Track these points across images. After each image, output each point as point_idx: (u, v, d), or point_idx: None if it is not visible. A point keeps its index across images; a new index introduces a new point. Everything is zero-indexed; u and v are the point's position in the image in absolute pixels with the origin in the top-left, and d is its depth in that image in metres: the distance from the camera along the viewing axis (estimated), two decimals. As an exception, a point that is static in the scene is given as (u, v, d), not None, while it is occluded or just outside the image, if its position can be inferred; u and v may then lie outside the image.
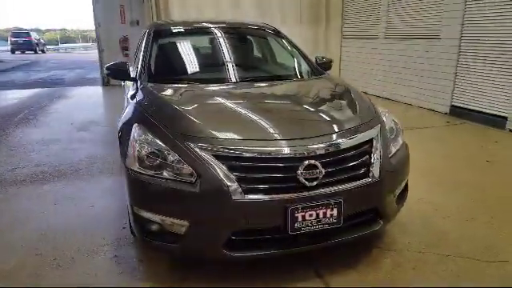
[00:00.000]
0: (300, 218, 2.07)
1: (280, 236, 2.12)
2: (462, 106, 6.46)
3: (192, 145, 2.12)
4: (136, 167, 2.20)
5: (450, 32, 6.48)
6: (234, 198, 2.01)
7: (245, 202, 2.02)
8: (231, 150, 2.08)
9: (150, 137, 2.25)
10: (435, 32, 6.84)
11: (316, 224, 2.11)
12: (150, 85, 2.96)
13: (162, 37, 3.65)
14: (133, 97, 2.99)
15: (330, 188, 2.13)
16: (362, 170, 2.25)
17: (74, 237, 2.82)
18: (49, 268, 2.46)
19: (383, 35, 8.32)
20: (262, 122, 2.32)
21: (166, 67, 3.39)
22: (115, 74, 3.28)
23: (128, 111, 2.78)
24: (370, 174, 2.25)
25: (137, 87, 3.04)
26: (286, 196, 2.05)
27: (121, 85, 5.38)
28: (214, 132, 2.20)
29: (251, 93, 2.98)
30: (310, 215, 2.08)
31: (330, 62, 3.81)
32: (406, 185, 2.70)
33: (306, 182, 2.08)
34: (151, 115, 2.44)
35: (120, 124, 2.72)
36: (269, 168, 2.09)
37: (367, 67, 8.84)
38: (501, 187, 3.67)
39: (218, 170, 2.04)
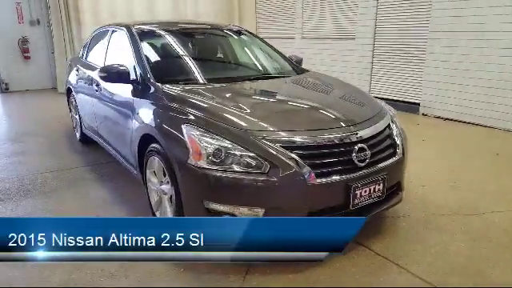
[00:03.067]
0: (358, 195, 2.42)
1: (343, 212, 2.43)
2: (378, 96, 7.46)
3: (260, 138, 2.30)
4: (204, 163, 2.28)
5: (365, 32, 7.43)
6: (308, 182, 2.26)
7: (317, 184, 2.29)
8: (299, 140, 2.33)
9: (210, 134, 2.34)
10: (351, 32, 7.75)
11: (368, 198, 2.48)
12: (173, 86, 2.94)
13: (151, 38, 3.59)
14: (143, 98, 2.97)
15: (376, 166, 2.51)
16: (392, 150, 2.69)
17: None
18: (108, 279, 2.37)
19: (300, 36, 9.04)
20: (314, 113, 2.59)
21: (172, 68, 3.37)
22: (114, 77, 3.16)
23: (156, 112, 2.77)
24: (398, 153, 2.70)
25: (147, 89, 3.00)
26: (348, 176, 2.38)
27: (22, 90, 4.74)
28: (279, 125, 2.42)
29: (276, 88, 3.22)
30: (365, 191, 2.45)
31: (301, 60, 4.21)
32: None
33: (359, 163, 2.43)
34: (198, 114, 2.51)
35: (153, 125, 2.71)
36: (331, 153, 2.39)
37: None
38: (447, 158, 4.54)
39: (291, 159, 2.27)
